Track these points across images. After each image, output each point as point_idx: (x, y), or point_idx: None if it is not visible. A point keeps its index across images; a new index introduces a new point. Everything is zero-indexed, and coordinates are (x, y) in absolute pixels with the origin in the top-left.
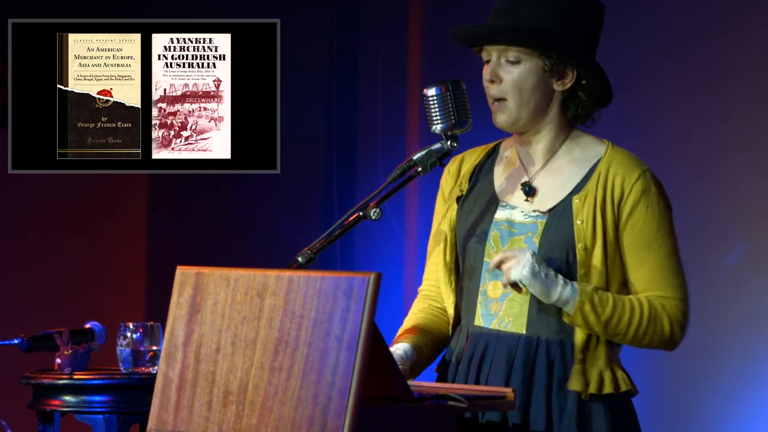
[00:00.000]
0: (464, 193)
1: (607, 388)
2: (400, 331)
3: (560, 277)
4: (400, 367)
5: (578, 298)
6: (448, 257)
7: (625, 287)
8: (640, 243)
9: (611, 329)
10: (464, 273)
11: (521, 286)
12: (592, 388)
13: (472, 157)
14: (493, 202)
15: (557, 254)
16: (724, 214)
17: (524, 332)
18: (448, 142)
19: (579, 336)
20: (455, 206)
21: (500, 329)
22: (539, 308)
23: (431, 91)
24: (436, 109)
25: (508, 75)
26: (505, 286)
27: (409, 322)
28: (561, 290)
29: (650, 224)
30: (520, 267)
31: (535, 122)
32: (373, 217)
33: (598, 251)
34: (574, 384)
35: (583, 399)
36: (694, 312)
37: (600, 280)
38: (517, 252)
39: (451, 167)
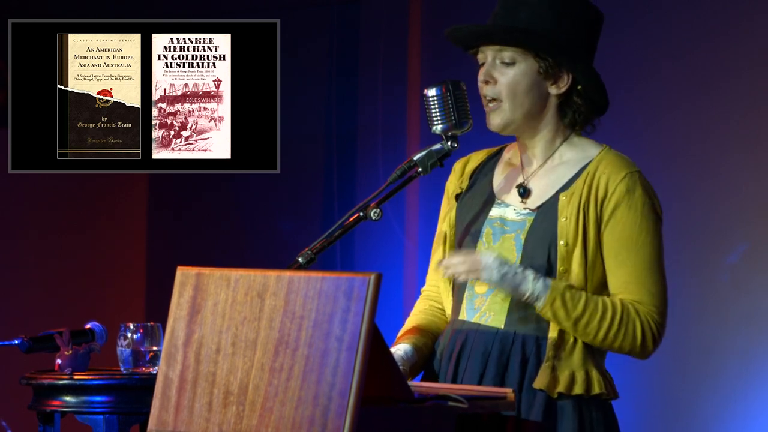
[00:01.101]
0: (463, 191)
1: (578, 389)
2: (402, 331)
3: (530, 272)
4: (400, 367)
5: (549, 294)
6: (446, 255)
7: (604, 288)
8: (620, 244)
9: (581, 328)
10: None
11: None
12: (561, 388)
13: (477, 158)
14: (490, 201)
15: (540, 250)
16: (724, 214)
17: (502, 327)
18: (449, 143)
19: (552, 333)
20: (454, 204)
21: (480, 323)
22: (519, 304)
23: (431, 92)
24: (437, 110)
25: (503, 76)
26: (475, 278)
27: (410, 322)
28: (532, 286)
29: (631, 226)
30: (487, 271)
31: (530, 125)
32: (374, 218)
33: (579, 249)
34: (539, 382)
35: (552, 398)
36: (694, 312)
37: (579, 278)
38: (479, 259)
39: (456, 167)
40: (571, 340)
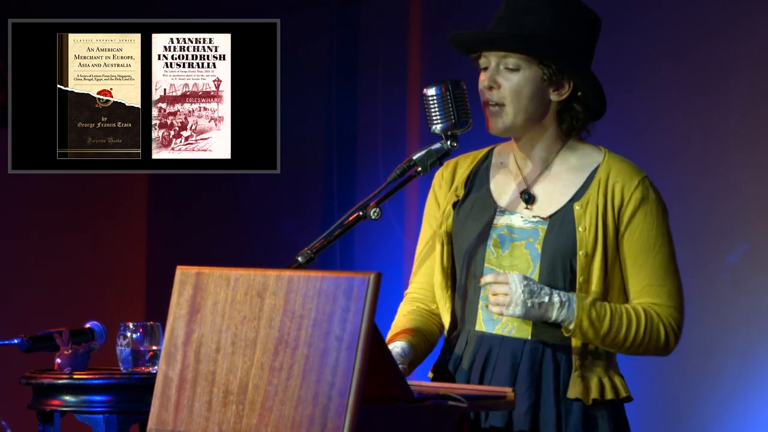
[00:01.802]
0: (460, 198)
1: (609, 394)
2: (393, 331)
3: (556, 298)
4: (399, 365)
5: (576, 317)
6: (445, 262)
7: (622, 293)
8: (638, 249)
9: (609, 341)
10: (465, 278)
11: None
12: (595, 394)
13: (465, 163)
14: (492, 208)
15: (560, 261)
16: (724, 214)
17: (530, 337)
18: (448, 142)
19: (576, 342)
20: (452, 212)
21: (504, 334)
22: None
23: (431, 91)
24: (436, 109)
25: (507, 82)
26: (499, 314)
27: (400, 323)
28: (557, 314)
29: (648, 231)
30: (512, 307)
31: (530, 130)
32: (373, 217)
33: (599, 258)
34: (572, 392)
35: (588, 406)
36: (694, 312)
37: (599, 287)
38: (508, 283)
39: (444, 172)
40: (592, 347)
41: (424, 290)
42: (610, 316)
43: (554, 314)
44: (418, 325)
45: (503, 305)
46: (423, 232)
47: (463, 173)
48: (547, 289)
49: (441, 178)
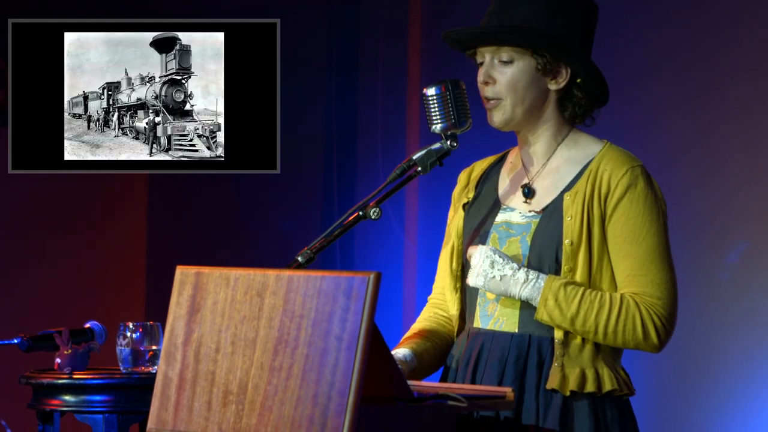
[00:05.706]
0: (470, 200)
1: (589, 387)
2: (405, 336)
3: (521, 274)
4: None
5: (541, 296)
6: (454, 264)
7: (615, 285)
8: (623, 238)
9: (578, 326)
10: (467, 277)
11: None
12: (573, 386)
13: (480, 166)
14: (495, 206)
15: (547, 251)
16: (724, 214)
17: (516, 331)
18: (448, 142)
19: (558, 333)
20: (462, 213)
21: (495, 329)
22: (530, 307)
23: (431, 91)
24: (436, 109)
25: (502, 76)
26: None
27: (413, 328)
28: (521, 289)
29: (634, 219)
30: (474, 275)
31: (530, 121)
32: (373, 217)
33: (584, 247)
34: (551, 382)
35: (568, 398)
36: (694, 311)
37: (584, 276)
38: (475, 253)
39: (461, 177)
40: (578, 338)
41: (442, 294)
42: (579, 298)
43: (517, 290)
44: (430, 330)
45: (469, 274)
46: (445, 238)
47: (476, 176)
48: (513, 264)
49: (458, 183)
